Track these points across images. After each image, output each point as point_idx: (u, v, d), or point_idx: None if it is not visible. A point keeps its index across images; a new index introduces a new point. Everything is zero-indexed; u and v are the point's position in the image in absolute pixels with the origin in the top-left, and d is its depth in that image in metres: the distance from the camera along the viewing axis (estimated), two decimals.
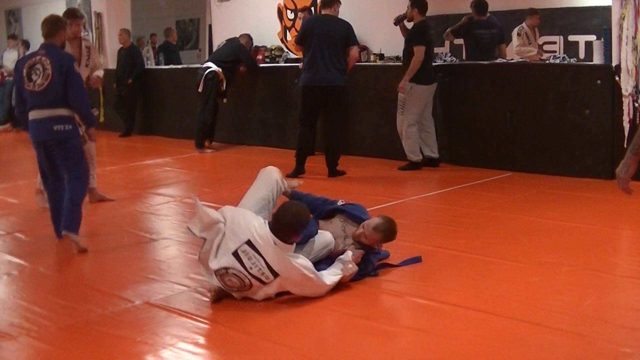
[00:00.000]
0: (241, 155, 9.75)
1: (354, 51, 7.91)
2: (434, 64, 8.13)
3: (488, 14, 9.04)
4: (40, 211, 6.48)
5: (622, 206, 5.94)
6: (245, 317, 3.88)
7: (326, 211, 4.73)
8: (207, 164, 9.58)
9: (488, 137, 7.95)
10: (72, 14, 6.51)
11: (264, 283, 3.98)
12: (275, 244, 3.93)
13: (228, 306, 4.01)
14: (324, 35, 7.69)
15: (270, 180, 4.61)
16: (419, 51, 7.74)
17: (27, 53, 8.74)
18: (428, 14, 7.98)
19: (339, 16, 7.94)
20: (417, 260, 4.72)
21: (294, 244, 4.05)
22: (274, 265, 3.92)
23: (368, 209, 4.92)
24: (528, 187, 6.89)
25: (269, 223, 4.04)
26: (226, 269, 3.97)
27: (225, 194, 7.29)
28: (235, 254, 3.92)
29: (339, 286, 4.24)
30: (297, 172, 7.80)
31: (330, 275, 4.12)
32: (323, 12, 7.95)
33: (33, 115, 5.35)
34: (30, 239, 5.85)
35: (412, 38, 7.87)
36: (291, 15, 11.39)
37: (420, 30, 7.89)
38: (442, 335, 3.60)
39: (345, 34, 7.80)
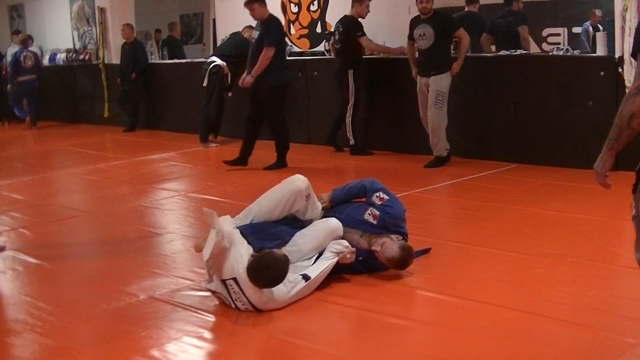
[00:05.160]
0: None
1: None
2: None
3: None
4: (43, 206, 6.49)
5: (625, 197, 5.83)
6: (250, 311, 3.87)
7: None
8: (212, 158, 9.57)
9: (492, 129, 7.93)
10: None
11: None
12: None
13: None
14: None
15: (289, 187, 4.46)
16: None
17: (17, 50, 13.60)
18: (434, 6, 7.88)
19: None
20: (426, 251, 4.73)
21: None
22: (257, 304, 3.86)
23: None
24: (532, 178, 6.88)
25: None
26: (215, 293, 3.98)
27: (229, 188, 7.31)
28: (224, 282, 3.87)
29: (347, 279, 4.26)
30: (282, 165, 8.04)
31: (321, 265, 4.07)
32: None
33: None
34: (35, 234, 5.88)
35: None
36: (295, 9, 11.37)
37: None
38: (447, 327, 3.61)
39: None
